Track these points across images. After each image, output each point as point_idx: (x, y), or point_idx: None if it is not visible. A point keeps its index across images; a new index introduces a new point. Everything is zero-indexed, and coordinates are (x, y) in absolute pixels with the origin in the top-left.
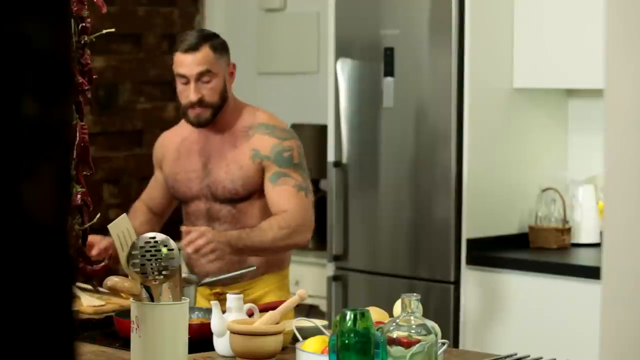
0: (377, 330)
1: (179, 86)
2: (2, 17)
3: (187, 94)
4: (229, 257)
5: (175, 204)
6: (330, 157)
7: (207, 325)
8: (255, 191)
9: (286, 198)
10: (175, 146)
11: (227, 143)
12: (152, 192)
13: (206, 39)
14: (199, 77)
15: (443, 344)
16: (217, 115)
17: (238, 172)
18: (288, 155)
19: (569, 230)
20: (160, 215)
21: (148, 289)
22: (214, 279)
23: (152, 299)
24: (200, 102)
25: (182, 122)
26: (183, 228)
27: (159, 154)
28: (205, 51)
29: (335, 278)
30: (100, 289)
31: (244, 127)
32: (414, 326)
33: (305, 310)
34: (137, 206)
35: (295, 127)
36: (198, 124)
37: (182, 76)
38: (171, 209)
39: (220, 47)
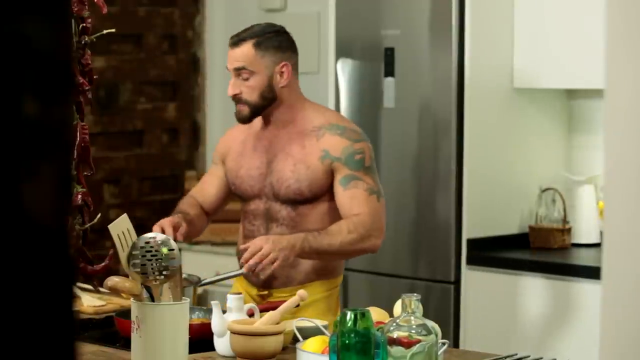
0: (378, 330)
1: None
2: (3, 17)
3: (228, 91)
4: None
5: (226, 204)
6: None
7: (208, 326)
8: (320, 194)
9: (357, 202)
10: (241, 141)
11: (295, 142)
12: (207, 188)
13: (254, 35)
14: (237, 73)
15: (443, 344)
16: (261, 114)
17: (305, 172)
18: (360, 158)
19: (569, 230)
20: (210, 214)
21: (148, 289)
22: (214, 279)
23: (152, 299)
24: (238, 99)
25: None
26: (241, 247)
27: (224, 147)
28: (246, 48)
29: None
30: (101, 289)
31: (314, 127)
32: (414, 326)
33: None
34: (189, 201)
35: None
36: (238, 119)
37: (228, 69)
38: (221, 209)
39: (265, 46)
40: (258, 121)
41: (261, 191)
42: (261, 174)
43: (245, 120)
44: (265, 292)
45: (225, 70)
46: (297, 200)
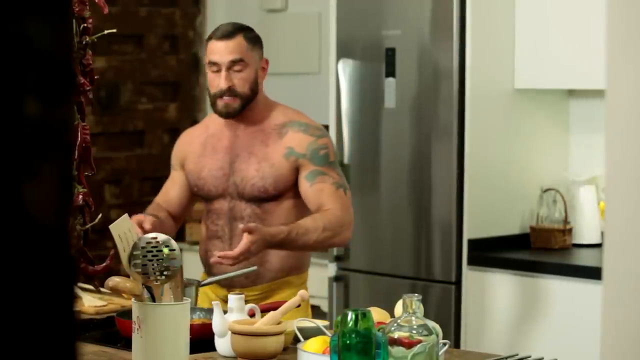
0: (379, 330)
1: (210, 75)
2: (4, 17)
3: (218, 82)
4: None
5: (191, 207)
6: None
7: (209, 326)
8: (285, 191)
9: (327, 197)
10: (200, 142)
11: (258, 140)
12: (169, 194)
13: (241, 29)
14: (231, 65)
15: (444, 344)
16: (246, 108)
17: (269, 170)
18: (324, 153)
19: (570, 230)
20: (177, 218)
21: (149, 290)
22: (215, 279)
23: (153, 299)
24: (231, 91)
25: (207, 119)
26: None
27: (181, 152)
28: (239, 40)
29: (336, 278)
30: (102, 290)
31: (276, 125)
32: (415, 326)
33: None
34: (154, 207)
35: None
36: (227, 114)
37: (214, 64)
38: (186, 213)
39: (253, 39)
40: (215, 122)
41: (225, 191)
42: (224, 174)
43: (234, 113)
44: (237, 291)
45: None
46: (262, 198)
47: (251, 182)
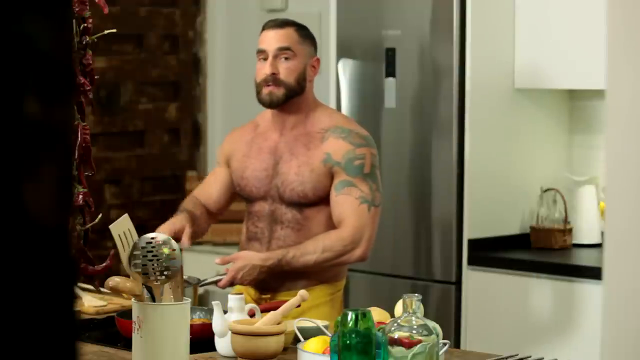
0: (379, 330)
1: (258, 64)
2: (4, 17)
3: (264, 70)
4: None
5: (230, 204)
6: None
7: (209, 326)
8: (325, 197)
9: (345, 211)
10: (247, 141)
11: (300, 143)
12: (209, 189)
13: (294, 24)
14: (278, 53)
15: (444, 344)
16: (292, 103)
17: (309, 175)
18: (359, 164)
19: (570, 230)
20: (214, 214)
21: (149, 290)
22: (215, 279)
23: (153, 299)
24: (275, 79)
25: (258, 118)
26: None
27: (228, 149)
28: (290, 31)
29: None
30: (102, 290)
31: (320, 129)
32: (415, 326)
33: None
34: (192, 200)
35: None
36: (270, 102)
37: (262, 51)
38: (225, 210)
39: (305, 34)
40: (264, 121)
41: (267, 193)
42: (267, 175)
43: (278, 102)
44: (269, 296)
45: (227, 70)
46: (302, 203)
47: (291, 186)
